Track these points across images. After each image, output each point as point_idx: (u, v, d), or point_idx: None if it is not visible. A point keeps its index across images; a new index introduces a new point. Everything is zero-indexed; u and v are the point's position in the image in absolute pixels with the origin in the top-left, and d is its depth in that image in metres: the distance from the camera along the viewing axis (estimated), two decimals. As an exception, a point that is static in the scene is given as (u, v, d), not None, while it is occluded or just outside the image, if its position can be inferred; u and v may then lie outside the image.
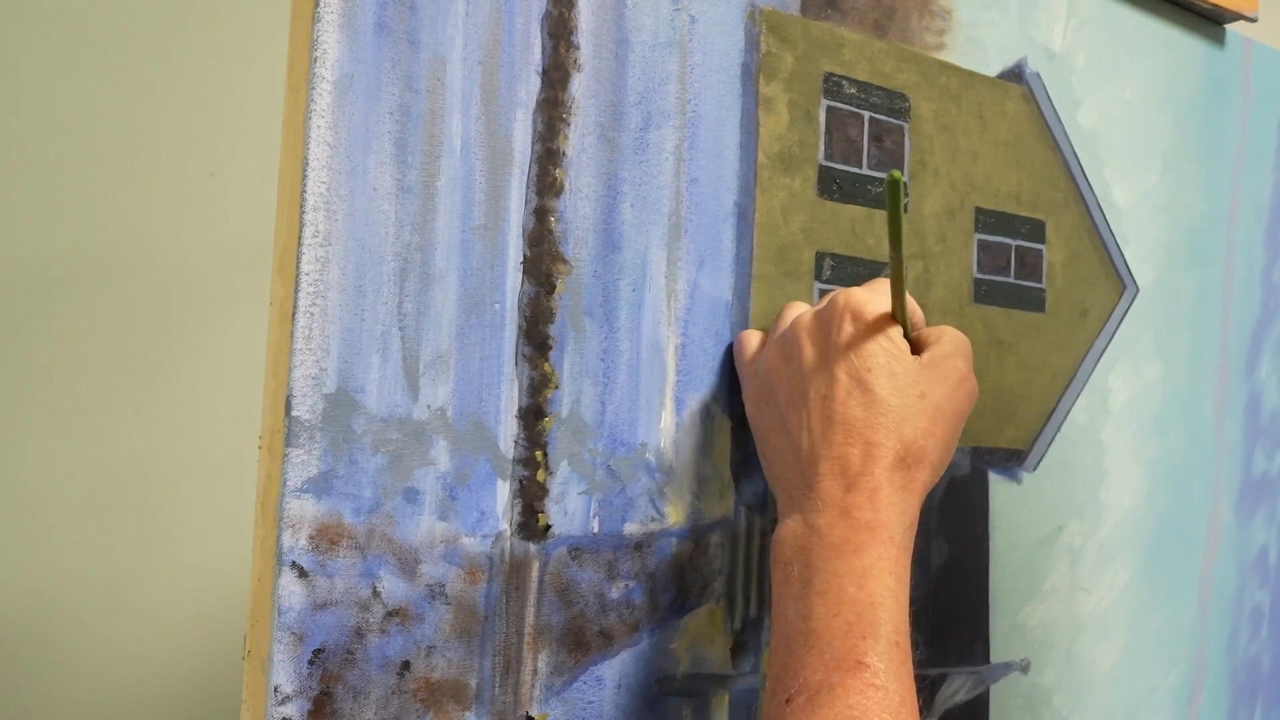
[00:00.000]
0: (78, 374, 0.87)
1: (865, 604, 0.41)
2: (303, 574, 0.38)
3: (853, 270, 0.54)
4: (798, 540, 0.43)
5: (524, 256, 0.44)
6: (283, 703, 0.38)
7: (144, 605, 0.88)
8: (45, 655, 0.86)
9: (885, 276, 0.49)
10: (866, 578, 0.42)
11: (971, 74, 0.59)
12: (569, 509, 0.45)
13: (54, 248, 0.86)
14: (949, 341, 0.47)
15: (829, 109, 0.53)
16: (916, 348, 0.48)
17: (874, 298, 0.46)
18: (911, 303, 0.49)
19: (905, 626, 0.42)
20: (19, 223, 0.86)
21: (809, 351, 0.46)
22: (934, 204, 0.57)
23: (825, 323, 0.46)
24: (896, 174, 0.41)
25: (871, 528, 0.43)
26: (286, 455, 0.38)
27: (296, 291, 0.38)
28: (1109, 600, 0.66)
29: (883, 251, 0.55)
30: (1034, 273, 0.62)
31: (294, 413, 0.38)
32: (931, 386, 0.45)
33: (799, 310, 0.49)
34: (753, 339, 0.50)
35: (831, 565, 0.42)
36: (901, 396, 0.44)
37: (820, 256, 0.53)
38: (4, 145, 0.85)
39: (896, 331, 0.46)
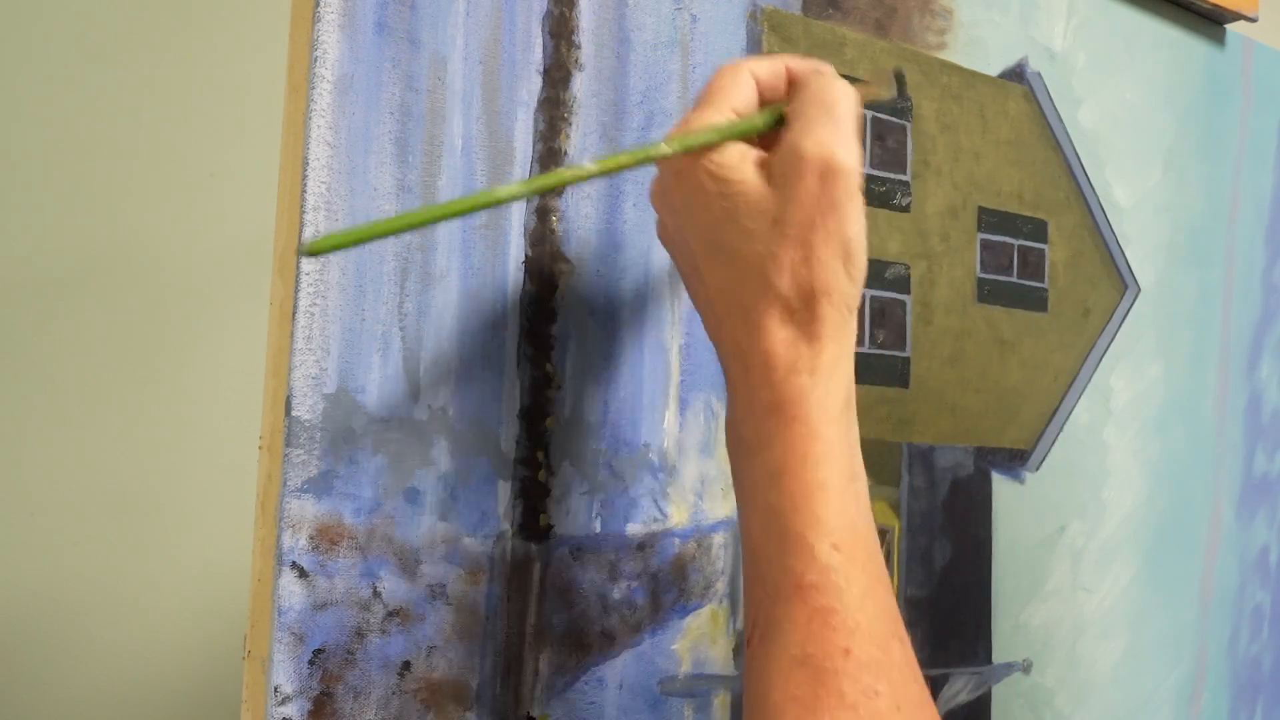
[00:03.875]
0: (77, 374, 0.87)
1: (787, 511, 0.34)
2: (303, 574, 0.38)
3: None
4: (726, 442, 0.37)
5: (526, 256, 0.44)
6: (283, 703, 0.38)
7: (144, 605, 0.88)
8: (45, 655, 0.86)
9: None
10: (781, 478, 0.34)
11: (973, 73, 0.59)
12: (571, 509, 0.45)
13: (54, 248, 0.86)
14: (800, 123, 0.36)
15: (831, 108, 0.53)
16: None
17: (686, 129, 0.36)
18: (778, 64, 0.38)
19: (851, 519, 0.34)
20: (19, 223, 0.85)
21: (665, 217, 0.40)
22: (937, 203, 0.57)
23: (658, 184, 0.40)
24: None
25: (775, 411, 0.34)
26: (287, 455, 0.38)
27: (296, 291, 0.38)
28: (1110, 600, 0.66)
29: (885, 250, 0.55)
30: (1036, 272, 0.61)
31: (294, 413, 0.38)
32: (781, 204, 0.35)
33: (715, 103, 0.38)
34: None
35: (748, 469, 0.35)
36: (749, 241, 0.35)
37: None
38: (4, 145, 0.85)
39: (715, 157, 0.36)
